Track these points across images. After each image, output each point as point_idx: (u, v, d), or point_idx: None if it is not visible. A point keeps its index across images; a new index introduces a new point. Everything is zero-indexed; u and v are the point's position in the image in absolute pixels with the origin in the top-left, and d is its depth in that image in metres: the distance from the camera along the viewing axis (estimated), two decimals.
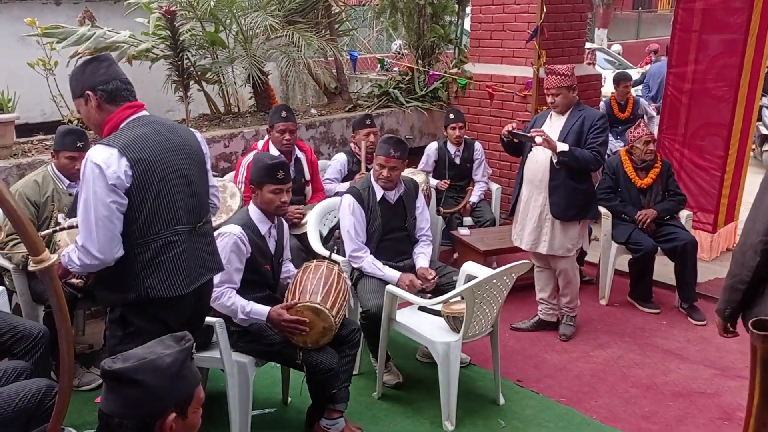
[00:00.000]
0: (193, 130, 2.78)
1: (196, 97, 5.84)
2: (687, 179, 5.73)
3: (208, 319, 3.13)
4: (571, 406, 3.68)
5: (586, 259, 5.29)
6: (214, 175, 4.54)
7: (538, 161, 4.24)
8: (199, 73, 5.76)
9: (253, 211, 3.28)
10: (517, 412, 3.63)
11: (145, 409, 1.67)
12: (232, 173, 4.70)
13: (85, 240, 2.36)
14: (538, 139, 4.04)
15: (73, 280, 3.38)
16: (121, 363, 1.68)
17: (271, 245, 3.31)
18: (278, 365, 3.71)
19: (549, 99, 4.24)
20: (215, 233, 3.10)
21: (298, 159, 4.63)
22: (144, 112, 2.57)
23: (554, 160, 4.12)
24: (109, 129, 2.49)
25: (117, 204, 2.36)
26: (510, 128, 4.23)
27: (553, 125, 4.25)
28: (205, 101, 6.03)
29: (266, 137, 4.65)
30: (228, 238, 3.11)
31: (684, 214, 4.99)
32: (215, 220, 4.00)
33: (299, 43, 5.73)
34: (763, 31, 5.51)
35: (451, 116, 5.52)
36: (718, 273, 5.48)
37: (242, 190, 4.37)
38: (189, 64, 5.55)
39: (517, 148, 4.37)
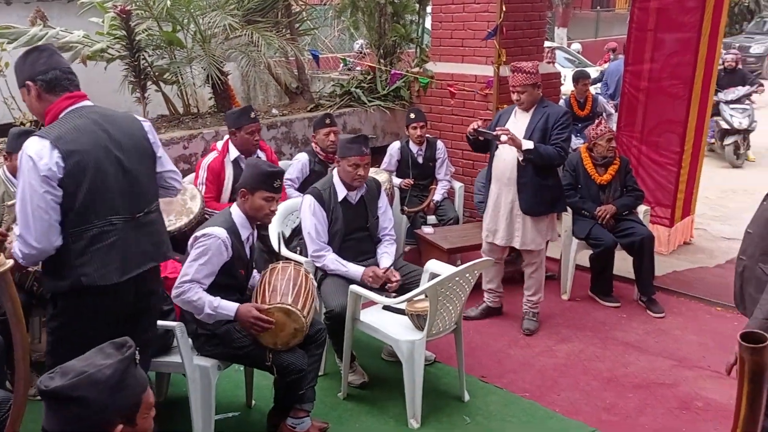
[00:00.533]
0: (140, 118, 2.76)
1: (154, 98, 5.74)
2: (644, 175, 5.84)
3: (168, 323, 3.09)
4: (534, 400, 3.72)
5: (548, 255, 5.36)
6: None
7: (506, 159, 4.29)
8: (156, 73, 5.67)
9: (237, 215, 3.21)
10: (481, 408, 3.66)
11: (87, 424, 1.62)
12: (192, 175, 4.63)
13: (22, 230, 2.39)
14: (503, 138, 4.08)
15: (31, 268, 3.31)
16: (58, 380, 1.62)
17: (247, 250, 3.28)
18: (241, 368, 3.67)
19: (515, 96, 4.28)
20: (199, 233, 3.09)
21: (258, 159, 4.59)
22: (85, 102, 2.58)
23: (520, 158, 4.17)
24: (50, 119, 2.52)
25: (51, 195, 2.39)
26: (475, 126, 4.27)
27: (518, 122, 4.30)
28: (164, 102, 5.93)
29: (225, 138, 4.58)
30: (213, 240, 3.05)
31: (642, 209, 5.09)
32: (176, 223, 3.98)
33: (259, 43, 5.68)
34: (715, 29, 5.65)
35: (412, 116, 5.54)
36: (675, 266, 5.62)
37: (203, 192, 4.31)
38: (146, 64, 5.46)
39: (484, 145, 4.42)
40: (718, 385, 3.85)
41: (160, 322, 3.08)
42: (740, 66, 9.85)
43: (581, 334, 4.51)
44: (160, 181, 2.83)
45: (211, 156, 4.49)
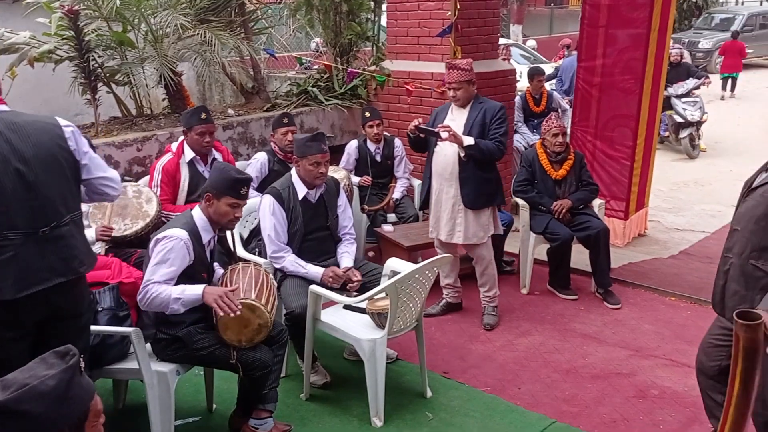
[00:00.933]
0: (63, 123, 2.61)
1: (106, 100, 5.61)
2: (599, 169, 5.95)
3: (123, 329, 3.03)
4: (495, 395, 3.76)
5: (506, 249, 5.42)
6: (127, 180, 4.36)
7: (447, 155, 4.33)
8: (107, 74, 5.54)
9: (199, 218, 3.16)
10: (444, 404, 3.68)
11: None
12: (147, 177, 4.54)
13: None
14: (444, 135, 4.13)
15: None
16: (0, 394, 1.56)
17: (208, 254, 3.24)
18: (202, 372, 3.62)
19: (450, 93, 4.36)
20: (160, 235, 3.02)
21: (215, 160, 4.52)
22: None
23: (461, 154, 4.22)
24: None
25: None
26: (416, 123, 4.30)
27: (456, 119, 4.36)
28: (116, 104, 5.80)
29: (180, 139, 4.51)
30: (175, 242, 3.01)
31: (597, 203, 5.18)
32: (132, 227, 3.89)
33: (213, 43, 5.60)
34: (664, 25, 5.79)
35: (367, 114, 5.55)
36: (630, 258, 5.73)
37: (158, 194, 4.23)
38: (96, 65, 5.33)
39: (423, 144, 4.47)
40: (673, 373, 3.95)
41: (115, 328, 3.03)
42: (684, 60, 10.17)
43: (541, 327, 4.57)
44: (90, 188, 2.70)
45: (166, 158, 4.41)
